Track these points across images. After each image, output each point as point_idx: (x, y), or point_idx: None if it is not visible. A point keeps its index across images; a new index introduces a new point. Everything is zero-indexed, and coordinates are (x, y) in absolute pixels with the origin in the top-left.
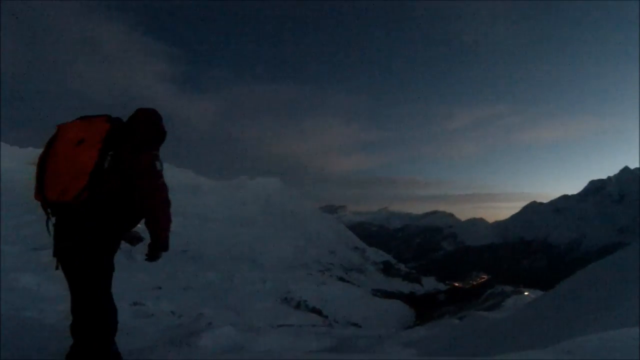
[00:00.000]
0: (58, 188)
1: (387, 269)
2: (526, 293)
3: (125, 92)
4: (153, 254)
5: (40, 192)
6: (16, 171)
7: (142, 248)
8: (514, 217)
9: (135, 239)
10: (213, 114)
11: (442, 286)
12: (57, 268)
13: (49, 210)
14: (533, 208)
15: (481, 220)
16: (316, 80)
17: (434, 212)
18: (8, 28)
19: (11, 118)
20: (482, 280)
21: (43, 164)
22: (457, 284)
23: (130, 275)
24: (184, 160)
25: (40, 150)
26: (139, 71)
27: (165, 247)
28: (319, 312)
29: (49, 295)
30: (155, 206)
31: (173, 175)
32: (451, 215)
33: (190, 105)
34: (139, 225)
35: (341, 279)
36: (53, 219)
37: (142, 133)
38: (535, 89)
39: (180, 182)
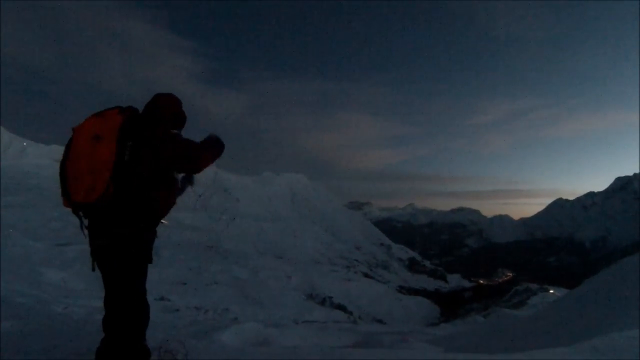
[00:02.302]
0: (83, 189)
1: (412, 266)
2: (551, 291)
3: (152, 88)
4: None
5: (67, 196)
6: (42, 168)
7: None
8: (540, 214)
9: (189, 181)
10: (239, 110)
11: (467, 283)
12: (93, 269)
13: (80, 214)
14: (559, 205)
15: (507, 216)
16: (343, 76)
17: (460, 209)
18: (32, 26)
19: (36, 115)
20: (508, 277)
21: (63, 168)
22: (482, 281)
23: (156, 270)
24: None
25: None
26: (165, 67)
27: (216, 151)
28: (343, 309)
29: (74, 290)
30: (196, 167)
31: None
32: (477, 211)
33: (216, 101)
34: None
35: (366, 275)
36: (86, 221)
37: (161, 118)
38: (564, 84)
39: (207, 178)
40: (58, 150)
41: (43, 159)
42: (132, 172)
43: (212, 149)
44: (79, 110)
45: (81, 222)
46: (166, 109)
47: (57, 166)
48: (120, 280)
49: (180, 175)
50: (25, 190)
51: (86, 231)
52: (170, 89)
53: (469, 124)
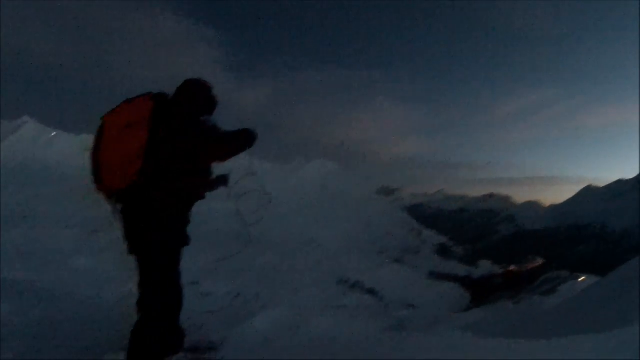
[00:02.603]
0: (116, 175)
1: (442, 251)
2: (581, 279)
3: (178, 78)
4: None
5: (99, 182)
6: (71, 157)
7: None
8: (570, 201)
9: (223, 180)
10: (268, 99)
11: (497, 269)
12: (129, 253)
13: (113, 199)
14: (589, 192)
15: (537, 203)
16: (374, 63)
17: (491, 195)
18: (59, 19)
19: (65, 106)
20: (538, 264)
21: (95, 156)
22: (512, 268)
23: (187, 255)
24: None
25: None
26: (190, 57)
27: (249, 142)
28: (374, 294)
29: (106, 277)
30: (221, 154)
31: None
32: (507, 198)
33: (244, 90)
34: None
35: (397, 261)
36: (119, 206)
37: (191, 104)
38: (595, 72)
39: (236, 165)
40: (88, 140)
41: (73, 148)
42: (164, 158)
43: (240, 139)
44: (106, 100)
45: (114, 208)
46: (196, 94)
47: (87, 155)
48: (154, 263)
49: (216, 174)
50: (55, 180)
51: (119, 216)
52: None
53: (501, 111)
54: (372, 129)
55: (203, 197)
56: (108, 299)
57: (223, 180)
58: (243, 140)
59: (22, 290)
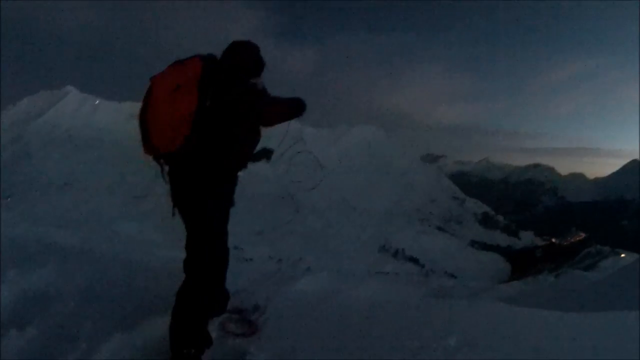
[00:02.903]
0: (165, 138)
1: (485, 221)
2: (623, 255)
3: (222, 46)
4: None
5: (148, 144)
6: (115, 124)
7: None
8: (615, 175)
9: (267, 154)
10: (313, 64)
11: (539, 241)
12: (173, 215)
13: (162, 161)
14: (635, 166)
15: (582, 175)
16: (420, 28)
17: (535, 166)
18: None
19: (109, 74)
20: (580, 238)
21: (144, 118)
22: (554, 240)
23: (231, 220)
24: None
25: (138, 104)
26: (237, 24)
27: (300, 109)
28: (415, 261)
29: (151, 242)
30: (275, 116)
31: None
32: (552, 169)
33: (290, 56)
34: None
35: (439, 229)
36: (166, 168)
37: (240, 66)
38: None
39: (283, 130)
40: (131, 107)
41: (116, 115)
42: (213, 121)
43: (288, 106)
44: (151, 68)
45: (162, 169)
46: (244, 56)
47: (131, 122)
48: (202, 224)
49: (261, 148)
50: (99, 146)
51: (167, 178)
52: None
53: (546, 80)
54: (417, 96)
55: (246, 167)
56: (153, 263)
57: (266, 153)
58: (294, 106)
59: (68, 255)
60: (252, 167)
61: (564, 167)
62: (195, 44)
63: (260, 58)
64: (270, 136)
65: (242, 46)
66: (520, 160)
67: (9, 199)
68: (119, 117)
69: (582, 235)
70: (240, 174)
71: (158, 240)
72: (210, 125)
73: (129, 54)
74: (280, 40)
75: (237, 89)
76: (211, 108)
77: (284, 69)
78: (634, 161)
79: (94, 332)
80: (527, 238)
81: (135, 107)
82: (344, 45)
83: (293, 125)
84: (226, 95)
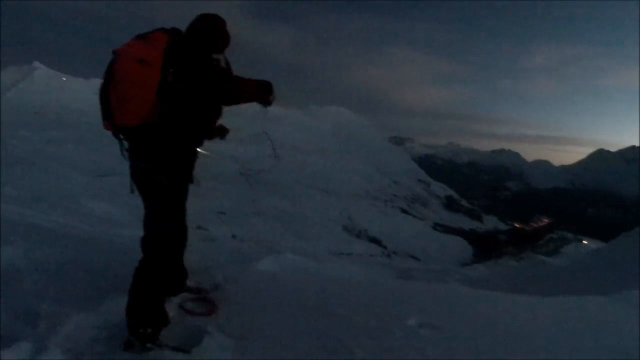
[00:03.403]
0: (127, 112)
1: (450, 204)
2: (585, 242)
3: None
4: (267, 99)
5: (109, 119)
6: (82, 101)
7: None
8: (581, 163)
9: (222, 132)
10: (287, 43)
11: (503, 226)
12: (132, 191)
13: (121, 137)
14: (601, 155)
15: (548, 162)
16: (393, 11)
17: (502, 151)
18: None
19: (75, 50)
20: (544, 224)
21: (106, 91)
22: (518, 225)
23: (195, 199)
24: None
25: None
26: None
27: (267, 86)
28: (378, 243)
29: (117, 221)
30: (237, 95)
31: None
32: (518, 154)
33: (265, 35)
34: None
35: (404, 211)
36: (126, 144)
37: (204, 40)
38: (615, 34)
39: (251, 109)
40: (98, 84)
41: (83, 92)
42: (175, 96)
43: (254, 87)
44: (116, 44)
45: (121, 145)
46: (210, 30)
47: (97, 100)
48: (158, 201)
49: (220, 123)
50: (66, 123)
51: (126, 154)
52: None
53: (517, 66)
54: (388, 78)
55: (202, 144)
56: (117, 241)
57: (222, 132)
58: (260, 89)
59: (32, 234)
60: (218, 145)
61: (530, 153)
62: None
63: (225, 33)
64: (237, 114)
65: (207, 20)
66: (487, 145)
67: None
68: (86, 94)
69: (546, 221)
70: (201, 151)
71: (123, 219)
72: (171, 101)
73: (97, 29)
74: (257, 18)
75: (199, 65)
76: (173, 83)
77: (258, 48)
78: (600, 150)
79: (54, 312)
80: (491, 222)
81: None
82: (318, 26)
83: (256, 105)
84: (187, 71)
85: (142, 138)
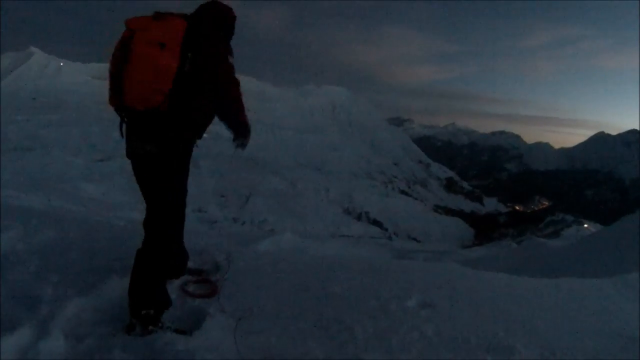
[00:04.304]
0: (141, 95)
1: (450, 186)
2: (586, 225)
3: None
4: (242, 141)
5: (119, 97)
6: (80, 85)
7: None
8: (581, 146)
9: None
10: (281, 22)
11: (503, 208)
12: (134, 171)
13: (123, 115)
14: (601, 138)
15: (547, 144)
16: None
17: (501, 132)
18: None
19: (73, 34)
20: (544, 206)
21: (119, 69)
22: (518, 207)
23: (194, 182)
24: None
25: (103, 65)
26: None
27: (248, 127)
28: (379, 225)
29: (114, 203)
30: (230, 89)
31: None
32: (518, 136)
33: (259, 13)
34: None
35: (404, 192)
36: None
37: (220, 30)
38: (615, 14)
39: (245, 89)
40: (95, 68)
41: (80, 76)
42: (189, 84)
43: (242, 109)
44: (116, 27)
45: (122, 122)
46: (223, 19)
47: (96, 84)
48: (162, 184)
49: (237, 141)
50: (63, 108)
51: (125, 132)
52: None
53: (516, 46)
54: (387, 57)
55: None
56: (115, 224)
57: (242, 143)
58: (244, 119)
59: (31, 218)
60: (214, 127)
61: (530, 135)
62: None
63: (233, 24)
64: None
65: (223, 9)
66: (487, 126)
67: None
68: (83, 78)
69: (546, 203)
70: (205, 134)
71: (121, 202)
72: (186, 89)
73: (95, 13)
74: None
75: (218, 54)
76: (189, 72)
77: (251, 26)
78: (600, 133)
79: (55, 296)
80: (491, 204)
81: (100, 68)
82: (314, 5)
83: (251, 85)
84: (206, 61)
85: (148, 121)
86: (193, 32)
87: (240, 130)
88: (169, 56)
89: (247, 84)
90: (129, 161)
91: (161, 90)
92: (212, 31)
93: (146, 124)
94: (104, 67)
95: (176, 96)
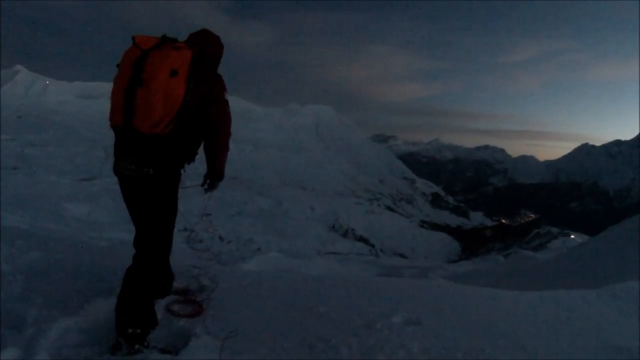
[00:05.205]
0: (153, 120)
1: (435, 201)
2: (572, 236)
3: (176, 21)
4: (212, 183)
5: (127, 118)
6: (65, 104)
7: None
8: (566, 158)
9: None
10: (265, 41)
11: (489, 222)
12: (123, 191)
13: (122, 134)
14: (585, 150)
15: (532, 157)
16: (373, 7)
17: (486, 147)
18: None
19: (59, 54)
20: (530, 219)
21: (132, 90)
22: (504, 221)
23: (180, 201)
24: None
25: (88, 84)
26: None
27: (222, 174)
28: (365, 241)
29: (100, 224)
30: (220, 130)
31: None
32: (502, 150)
33: (243, 33)
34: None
35: (390, 209)
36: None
37: (212, 58)
38: (597, 28)
39: (231, 108)
40: (81, 87)
41: (66, 95)
42: (189, 111)
43: (226, 145)
44: (102, 47)
45: (117, 142)
46: (218, 50)
47: (82, 102)
48: (155, 205)
49: (208, 181)
50: (49, 127)
51: (118, 151)
52: (199, 20)
53: (499, 62)
54: (370, 75)
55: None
56: (100, 244)
57: (213, 185)
58: (223, 161)
59: (16, 238)
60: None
61: (515, 149)
62: (148, 23)
63: (222, 54)
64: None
65: (217, 40)
66: (471, 141)
67: None
68: (69, 97)
69: (532, 216)
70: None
71: (106, 222)
72: (187, 116)
73: (81, 32)
74: (234, 16)
75: (217, 85)
76: (191, 99)
77: (236, 45)
78: (585, 145)
79: (40, 317)
80: (477, 218)
81: (86, 87)
82: (298, 24)
83: (236, 104)
84: (206, 89)
85: (148, 144)
86: (197, 63)
87: (216, 174)
88: (179, 85)
89: (232, 103)
90: (114, 181)
91: (167, 117)
92: (211, 66)
93: (146, 146)
94: (89, 86)
95: (177, 123)
